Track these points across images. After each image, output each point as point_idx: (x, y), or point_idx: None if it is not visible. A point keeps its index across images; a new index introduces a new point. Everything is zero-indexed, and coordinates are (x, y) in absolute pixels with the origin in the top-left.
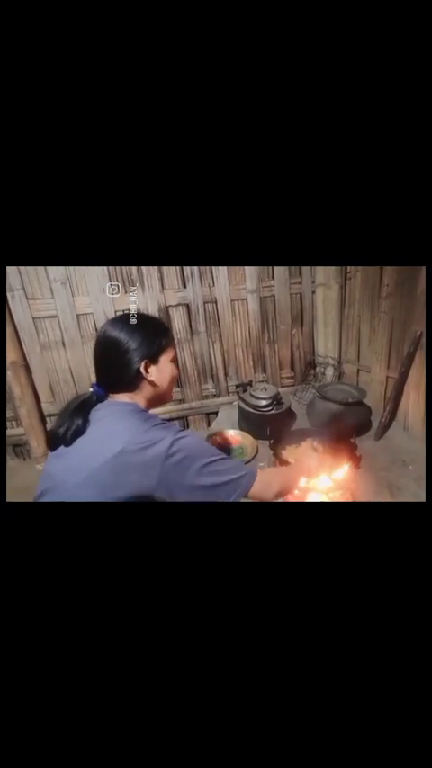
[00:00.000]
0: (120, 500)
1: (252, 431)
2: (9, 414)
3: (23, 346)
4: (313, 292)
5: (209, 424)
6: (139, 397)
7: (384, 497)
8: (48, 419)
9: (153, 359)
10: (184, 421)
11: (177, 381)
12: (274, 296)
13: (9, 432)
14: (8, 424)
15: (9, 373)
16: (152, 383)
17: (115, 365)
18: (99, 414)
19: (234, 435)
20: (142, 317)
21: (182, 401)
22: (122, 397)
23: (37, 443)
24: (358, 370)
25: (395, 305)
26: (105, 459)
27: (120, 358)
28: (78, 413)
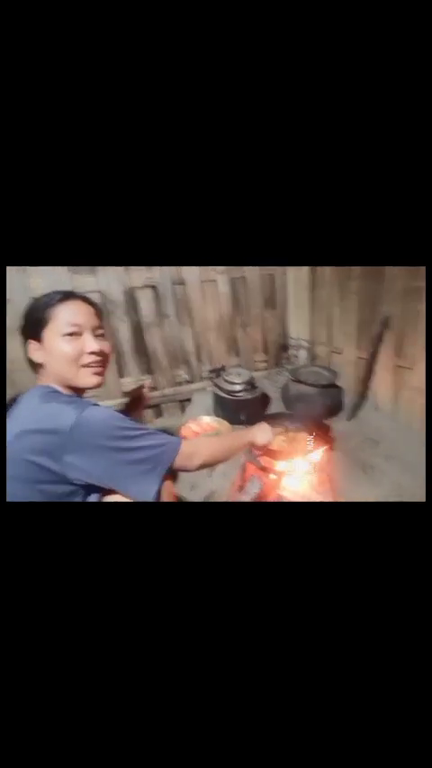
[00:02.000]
0: (28, 488)
1: (227, 417)
2: None
3: None
4: (284, 274)
5: (183, 411)
6: (47, 381)
7: (357, 476)
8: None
9: (36, 338)
10: (157, 408)
11: (147, 370)
12: (244, 277)
13: None
14: None
15: None
16: (41, 364)
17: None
18: (24, 398)
19: (209, 422)
20: (33, 300)
21: (154, 388)
22: (39, 381)
23: None
24: (330, 352)
25: (364, 286)
26: (7, 443)
27: (22, 341)
28: (10, 404)
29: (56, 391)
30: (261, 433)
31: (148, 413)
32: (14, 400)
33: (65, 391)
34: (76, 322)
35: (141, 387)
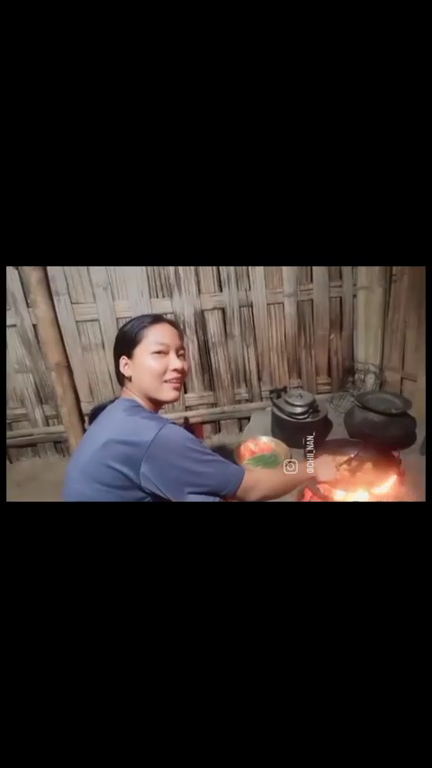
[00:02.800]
0: (109, 492)
1: (285, 438)
2: (52, 412)
3: (66, 348)
4: (354, 296)
5: (240, 429)
6: (131, 394)
7: None
8: (86, 418)
9: (128, 354)
10: (215, 425)
11: (210, 386)
12: (312, 300)
13: (51, 429)
14: (50, 421)
15: (53, 374)
16: (130, 379)
17: (115, 365)
18: (103, 411)
19: (267, 442)
20: (130, 318)
21: (214, 405)
22: (124, 394)
23: (75, 441)
24: (402, 379)
25: None
26: (93, 451)
27: (114, 357)
28: (96, 412)
29: (139, 405)
30: (323, 468)
31: (207, 428)
32: (99, 409)
33: (146, 405)
34: (164, 342)
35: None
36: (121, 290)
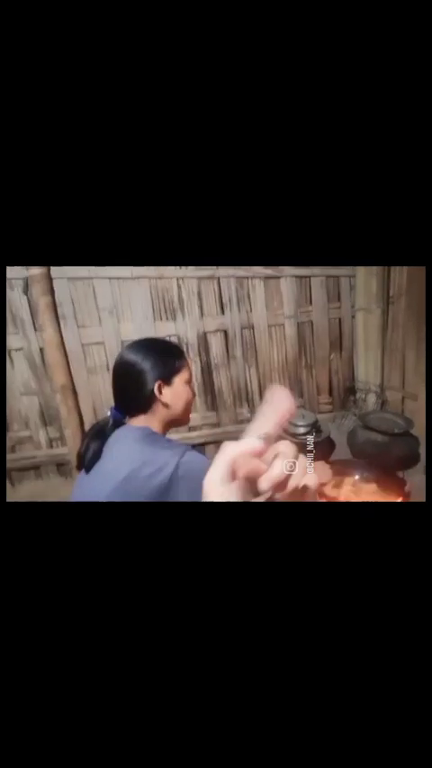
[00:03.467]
0: None
1: None
2: (56, 434)
3: (72, 371)
4: (353, 317)
5: None
6: (153, 421)
7: None
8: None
9: (166, 380)
10: (218, 445)
11: (213, 406)
12: (311, 321)
13: (54, 451)
14: (54, 443)
15: (58, 396)
16: (166, 405)
17: (131, 387)
18: (114, 439)
19: None
20: (157, 340)
21: (216, 425)
22: (138, 421)
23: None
24: (403, 398)
25: None
26: (112, 487)
27: (134, 380)
28: (96, 438)
29: (155, 433)
30: (320, 470)
31: (210, 448)
32: (100, 432)
33: (160, 431)
34: (190, 371)
35: None
36: (126, 313)
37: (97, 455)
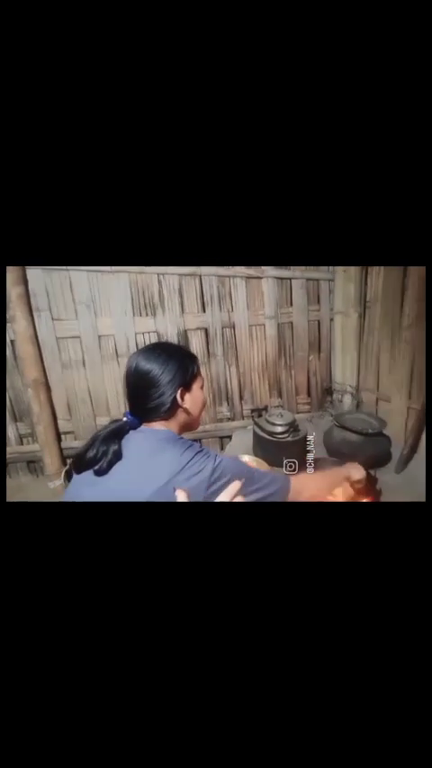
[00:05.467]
0: None
1: (267, 457)
2: (27, 430)
3: (45, 365)
4: (331, 320)
5: (222, 448)
6: (172, 425)
7: None
8: (63, 437)
9: (187, 387)
10: (197, 444)
11: None
12: (292, 322)
13: (24, 448)
14: (25, 440)
15: (30, 391)
16: (186, 411)
17: (150, 395)
18: (134, 442)
19: (249, 461)
20: (174, 346)
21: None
22: (157, 425)
23: (50, 459)
24: (377, 400)
25: (417, 335)
26: (153, 490)
27: (155, 388)
28: (112, 440)
29: (182, 437)
30: (355, 470)
31: None
32: (117, 431)
33: (178, 434)
34: (203, 375)
35: None
36: (105, 307)
37: (117, 457)
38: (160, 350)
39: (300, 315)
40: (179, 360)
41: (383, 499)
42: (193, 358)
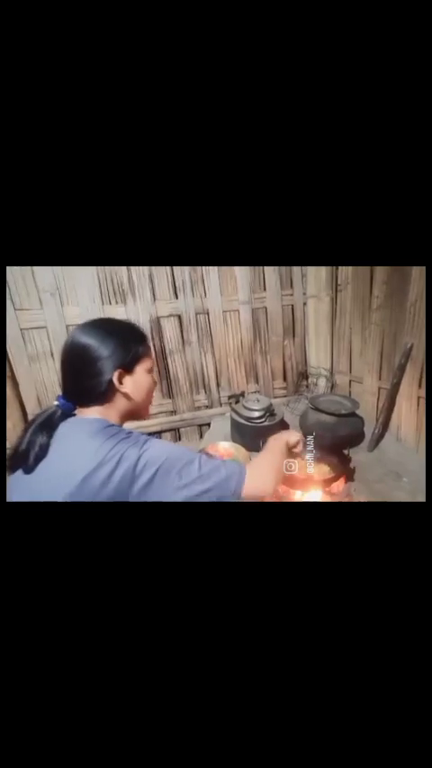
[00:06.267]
0: None
1: (245, 443)
2: None
3: (10, 358)
4: (305, 304)
5: (201, 436)
6: (110, 412)
7: None
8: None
9: (128, 368)
10: (175, 433)
11: (169, 393)
12: (266, 307)
13: None
14: None
15: None
16: (126, 396)
17: (84, 375)
18: (62, 433)
19: (227, 448)
20: (116, 322)
21: (173, 413)
22: (92, 412)
23: None
24: (350, 381)
25: (385, 317)
26: (69, 490)
27: (90, 367)
28: (40, 431)
29: (112, 425)
30: (289, 434)
31: (166, 436)
32: (46, 425)
33: (118, 423)
34: (153, 359)
35: None
36: (71, 295)
37: (44, 451)
38: (101, 324)
39: (273, 299)
40: (120, 337)
41: (356, 476)
42: (139, 337)
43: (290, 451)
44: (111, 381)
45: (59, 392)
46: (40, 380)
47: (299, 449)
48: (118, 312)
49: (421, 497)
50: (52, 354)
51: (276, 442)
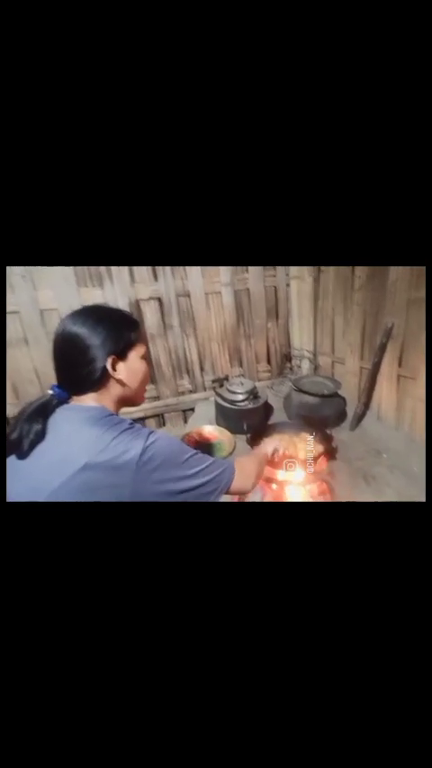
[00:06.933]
0: None
1: (229, 426)
2: None
3: None
4: (287, 285)
5: (185, 421)
6: (106, 399)
7: (359, 487)
8: (11, 422)
9: (121, 355)
10: (159, 418)
11: (150, 380)
12: (248, 289)
13: None
14: None
15: None
16: (121, 382)
17: (78, 363)
18: (59, 420)
19: (211, 431)
20: (107, 309)
21: (157, 398)
22: (87, 400)
23: None
24: (333, 362)
25: (367, 297)
26: (67, 476)
27: (83, 355)
28: (35, 418)
29: (112, 414)
30: (269, 446)
31: (150, 422)
32: (38, 412)
33: (114, 411)
34: (145, 345)
35: None
36: (44, 278)
37: (39, 437)
38: (91, 312)
39: (256, 281)
40: (111, 324)
41: (339, 455)
42: (131, 324)
43: (272, 458)
44: (104, 368)
45: (36, 380)
46: (14, 368)
47: (277, 456)
48: (95, 295)
49: (400, 474)
50: (26, 341)
51: (260, 451)
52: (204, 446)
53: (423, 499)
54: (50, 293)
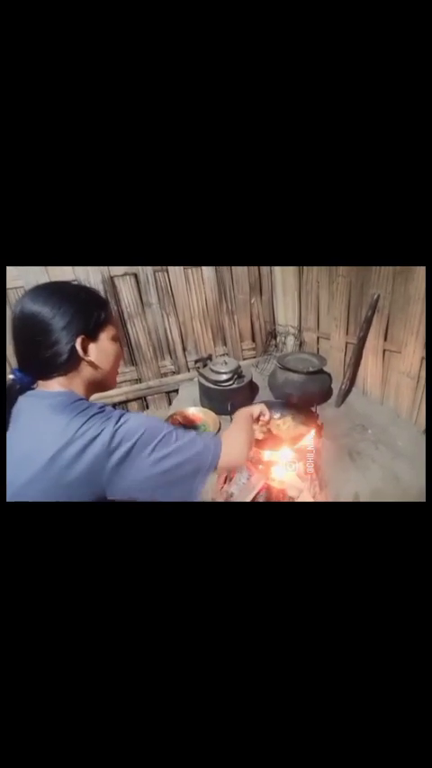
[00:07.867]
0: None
1: (214, 407)
2: None
3: None
4: None
5: (170, 403)
6: (75, 382)
7: (345, 463)
8: None
9: (91, 335)
10: (142, 401)
11: (130, 361)
12: None
13: None
14: None
15: None
16: (92, 364)
17: (40, 344)
18: (23, 408)
19: (195, 413)
20: (72, 286)
21: (138, 380)
22: (53, 385)
23: None
24: (318, 338)
25: (352, 268)
26: (35, 471)
27: (45, 335)
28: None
29: (81, 399)
30: (251, 407)
31: (133, 406)
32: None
33: (85, 395)
34: (117, 326)
35: None
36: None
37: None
38: (54, 289)
39: None
40: (78, 302)
41: (325, 432)
42: (101, 302)
43: (256, 422)
44: (73, 349)
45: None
46: None
47: (265, 417)
48: (65, 272)
49: (385, 449)
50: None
51: (242, 414)
52: (188, 428)
53: (406, 472)
54: (15, 271)
